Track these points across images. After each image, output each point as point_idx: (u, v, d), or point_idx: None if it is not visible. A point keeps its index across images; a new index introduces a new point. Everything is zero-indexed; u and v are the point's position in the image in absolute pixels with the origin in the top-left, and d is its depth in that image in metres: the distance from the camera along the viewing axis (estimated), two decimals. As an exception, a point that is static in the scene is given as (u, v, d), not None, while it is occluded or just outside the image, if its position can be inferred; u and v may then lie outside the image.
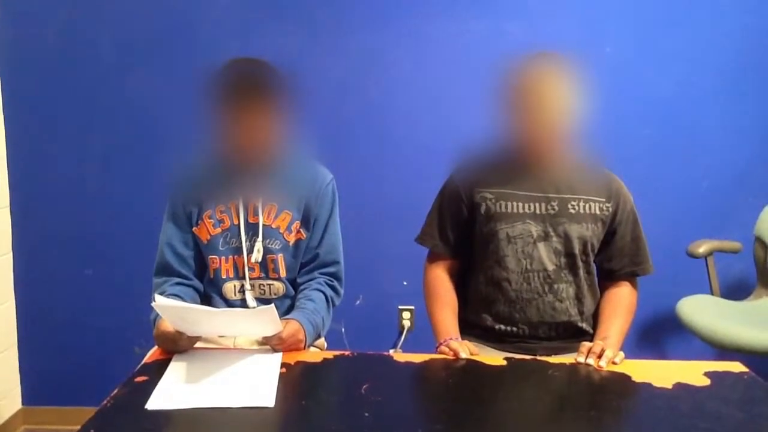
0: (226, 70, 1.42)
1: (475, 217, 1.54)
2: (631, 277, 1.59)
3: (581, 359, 1.34)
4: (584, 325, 1.56)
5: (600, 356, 1.33)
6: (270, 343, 1.35)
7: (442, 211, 1.60)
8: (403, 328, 2.46)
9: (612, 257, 1.56)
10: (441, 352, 1.42)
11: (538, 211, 1.50)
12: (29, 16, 2.32)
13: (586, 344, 1.38)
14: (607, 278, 1.59)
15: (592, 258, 1.54)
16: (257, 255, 1.49)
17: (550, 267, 1.50)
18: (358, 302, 2.41)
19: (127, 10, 2.31)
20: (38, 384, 2.52)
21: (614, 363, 1.32)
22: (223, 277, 1.53)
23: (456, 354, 1.38)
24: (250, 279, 1.52)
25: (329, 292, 1.54)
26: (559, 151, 1.49)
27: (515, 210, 1.50)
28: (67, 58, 2.34)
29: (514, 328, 1.53)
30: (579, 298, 1.54)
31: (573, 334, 1.55)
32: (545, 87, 1.41)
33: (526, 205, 1.50)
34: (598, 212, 1.51)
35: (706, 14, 2.26)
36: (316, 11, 2.30)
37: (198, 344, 1.36)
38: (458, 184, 1.57)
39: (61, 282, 2.46)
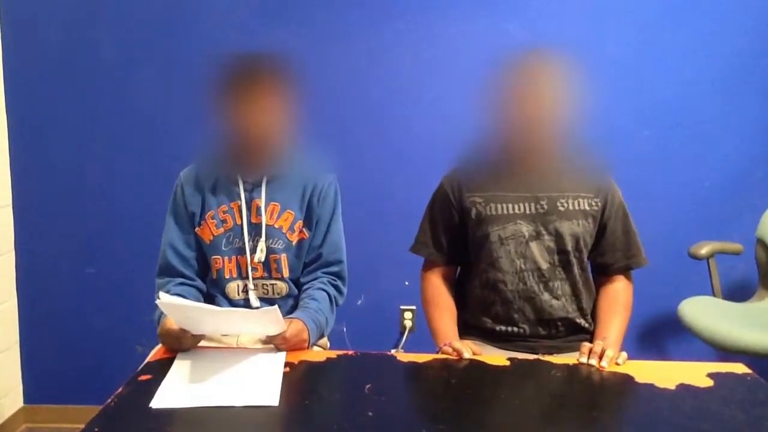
0: (230, 57, 1.42)
1: (466, 222, 1.55)
2: (626, 271, 1.59)
3: (583, 359, 1.34)
4: (583, 322, 1.56)
5: (601, 357, 1.33)
6: (274, 343, 1.35)
7: (434, 219, 1.61)
8: (404, 328, 2.46)
9: (605, 252, 1.57)
10: (444, 353, 1.42)
11: (528, 211, 1.50)
12: (32, 14, 2.32)
13: (587, 345, 1.39)
14: (602, 273, 1.60)
15: (585, 254, 1.55)
16: (260, 255, 1.49)
17: (544, 265, 1.51)
18: (359, 302, 2.41)
19: (128, 8, 2.31)
20: (40, 382, 2.52)
21: (617, 363, 1.33)
22: (227, 277, 1.53)
23: (459, 354, 1.38)
24: (254, 279, 1.53)
25: (332, 291, 1.55)
26: (548, 149, 1.49)
27: (505, 211, 1.51)
28: (70, 56, 2.34)
29: (515, 328, 1.54)
30: (576, 295, 1.55)
31: (573, 331, 1.56)
32: (533, 83, 1.41)
33: (516, 206, 1.50)
34: (587, 208, 1.51)
35: (708, 14, 2.26)
36: (316, 10, 2.30)
37: (201, 343, 1.36)
38: (447, 190, 1.57)
39: (63, 280, 2.46)
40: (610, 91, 2.26)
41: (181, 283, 1.51)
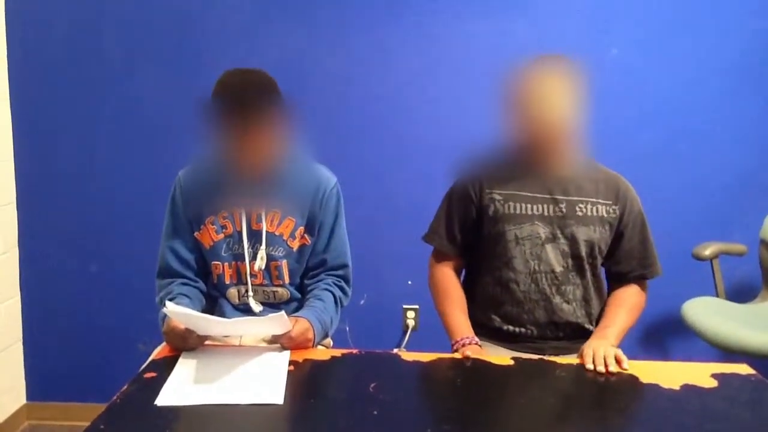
0: (221, 86, 1.36)
1: (483, 218, 1.54)
2: (641, 280, 1.59)
3: (589, 366, 1.31)
4: (591, 327, 1.56)
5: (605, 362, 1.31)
6: (279, 341, 1.35)
7: (450, 210, 1.60)
8: (407, 327, 2.46)
9: (621, 260, 1.56)
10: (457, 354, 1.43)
11: (546, 213, 1.50)
12: (37, 14, 2.32)
13: (587, 352, 1.34)
14: (617, 281, 1.59)
15: (599, 261, 1.54)
16: (261, 263, 1.48)
17: (558, 268, 1.51)
18: (362, 302, 2.41)
19: (133, 9, 2.31)
20: (42, 380, 2.52)
21: (623, 369, 1.29)
22: (227, 282, 1.52)
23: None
24: (254, 285, 1.52)
25: (338, 292, 1.54)
26: (565, 154, 1.49)
27: (523, 211, 1.51)
28: (74, 55, 2.34)
29: (522, 329, 1.54)
30: (586, 300, 1.54)
31: (580, 336, 1.55)
32: (547, 91, 1.42)
33: (535, 207, 1.50)
34: (605, 215, 1.51)
35: (713, 16, 2.26)
36: (321, 10, 2.30)
37: (205, 341, 1.36)
38: (467, 184, 1.57)
39: (66, 278, 2.46)
40: (616, 93, 2.26)
41: (184, 284, 1.51)
